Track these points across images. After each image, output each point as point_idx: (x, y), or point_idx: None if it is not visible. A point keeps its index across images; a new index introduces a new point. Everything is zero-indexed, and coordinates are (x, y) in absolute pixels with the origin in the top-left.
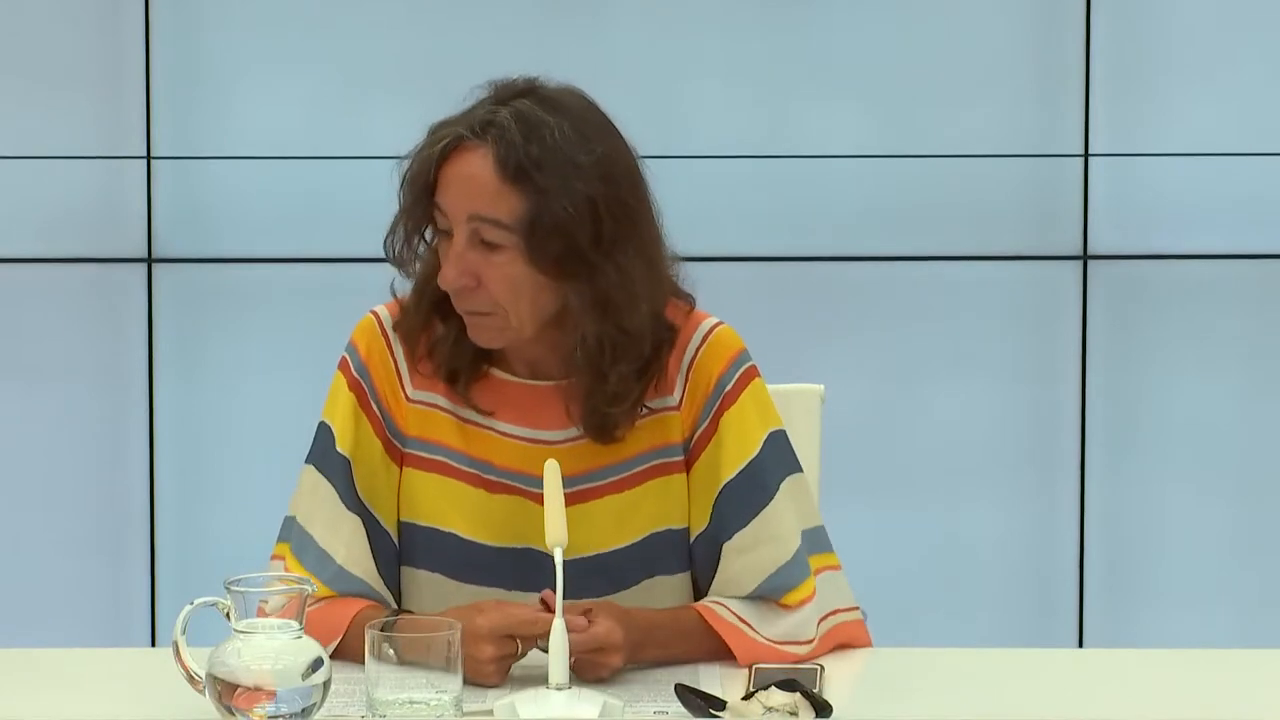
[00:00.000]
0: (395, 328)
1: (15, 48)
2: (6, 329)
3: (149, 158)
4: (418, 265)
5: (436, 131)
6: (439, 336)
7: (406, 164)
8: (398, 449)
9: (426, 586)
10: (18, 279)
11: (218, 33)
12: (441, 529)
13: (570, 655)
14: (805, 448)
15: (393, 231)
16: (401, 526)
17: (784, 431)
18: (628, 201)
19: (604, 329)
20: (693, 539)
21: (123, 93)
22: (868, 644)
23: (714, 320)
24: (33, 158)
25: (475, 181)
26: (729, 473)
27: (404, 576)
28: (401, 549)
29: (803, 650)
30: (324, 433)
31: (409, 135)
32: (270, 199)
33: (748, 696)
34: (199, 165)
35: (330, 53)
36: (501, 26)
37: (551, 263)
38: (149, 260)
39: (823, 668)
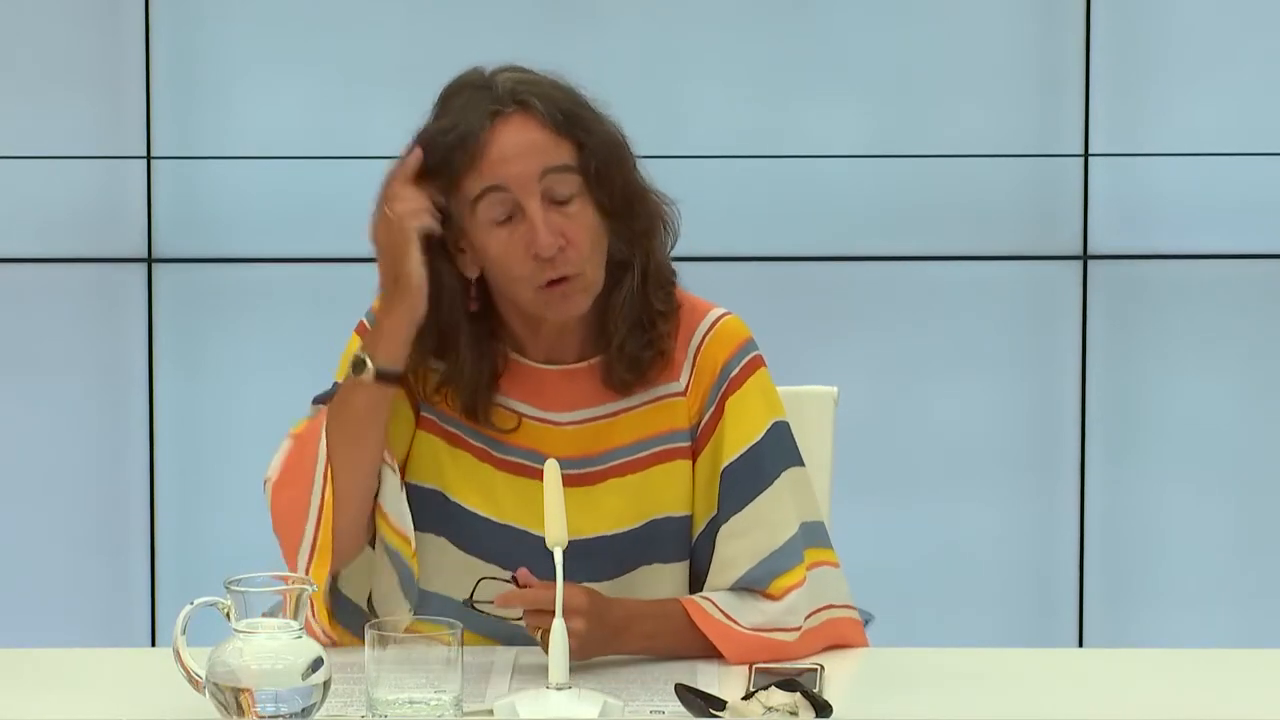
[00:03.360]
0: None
1: (15, 47)
2: (6, 329)
3: (149, 158)
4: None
5: (447, 134)
6: (454, 367)
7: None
8: (416, 410)
9: (425, 549)
10: (18, 279)
11: (218, 32)
12: (445, 494)
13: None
14: (818, 450)
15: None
16: (408, 488)
17: (787, 424)
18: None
19: (649, 264)
20: (698, 527)
21: (123, 93)
22: (863, 644)
23: (722, 310)
24: (33, 158)
25: (535, 141)
26: (729, 456)
27: None
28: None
29: (789, 638)
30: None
31: (409, 135)
32: (270, 199)
33: (748, 696)
34: (199, 165)
35: (330, 53)
36: (501, 26)
37: (610, 199)
38: (149, 260)
39: (823, 667)
